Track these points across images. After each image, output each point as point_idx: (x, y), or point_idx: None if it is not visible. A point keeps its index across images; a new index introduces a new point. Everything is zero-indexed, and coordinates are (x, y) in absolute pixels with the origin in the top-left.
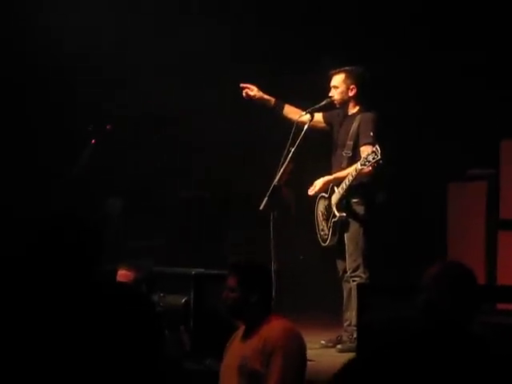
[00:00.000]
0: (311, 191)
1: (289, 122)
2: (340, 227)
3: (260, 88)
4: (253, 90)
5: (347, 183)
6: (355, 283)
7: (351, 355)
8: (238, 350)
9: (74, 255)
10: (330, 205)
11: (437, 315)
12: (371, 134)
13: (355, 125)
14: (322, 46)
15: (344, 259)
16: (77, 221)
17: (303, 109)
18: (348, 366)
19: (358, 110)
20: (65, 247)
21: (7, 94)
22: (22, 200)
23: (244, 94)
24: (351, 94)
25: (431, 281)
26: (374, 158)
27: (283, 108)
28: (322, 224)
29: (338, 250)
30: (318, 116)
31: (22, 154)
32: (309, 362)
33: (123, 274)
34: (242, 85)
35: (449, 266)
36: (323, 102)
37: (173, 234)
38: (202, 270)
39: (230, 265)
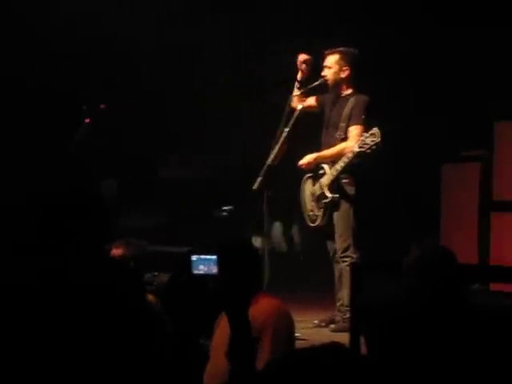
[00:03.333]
0: (300, 163)
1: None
2: (330, 208)
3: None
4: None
5: (342, 165)
6: (346, 264)
7: (344, 335)
8: (226, 329)
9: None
10: (320, 185)
11: (421, 299)
12: (362, 116)
13: (348, 107)
14: (317, 26)
15: (334, 240)
16: (90, 198)
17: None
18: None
19: (352, 92)
20: (77, 224)
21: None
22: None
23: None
24: (344, 75)
25: (413, 265)
26: (372, 141)
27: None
28: (310, 205)
29: (328, 230)
30: (311, 99)
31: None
32: (301, 341)
33: (113, 252)
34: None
35: (429, 249)
36: (316, 82)
37: (172, 215)
38: (195, 248)
39: (215, 246)
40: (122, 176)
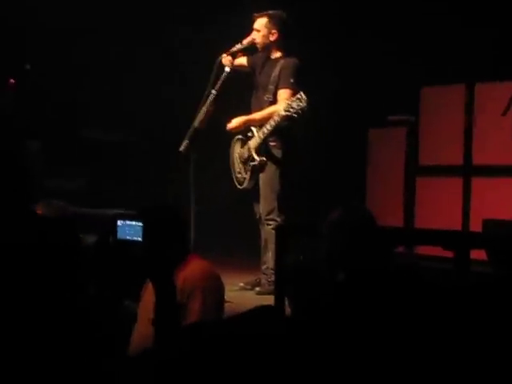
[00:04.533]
0: (228, 126)
1: (208, 63)
2: (257, 170)
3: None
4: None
5: (269, 128)
6: (270, 227)
7: (270, 297)
8: (152, 295)
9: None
10: (248, 148)
11: (340, 262)
12: (291, 79)
13: (277, 69)
14: None
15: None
16: (12, 157)
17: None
18: None
19: (281, 55)
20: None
21: None
22: None
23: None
24: (272, 38)
25: (332, 228)
26: (298, 105)
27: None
28: (238, 166)
29: (255, 193)
30: (242, 59)
31: None
32: (227, 304)
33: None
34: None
35: (348, 211)
36: (243, 44)
37: (95, 176)
38: (121, 211)
39: (139, 211)
40: (46, 137)
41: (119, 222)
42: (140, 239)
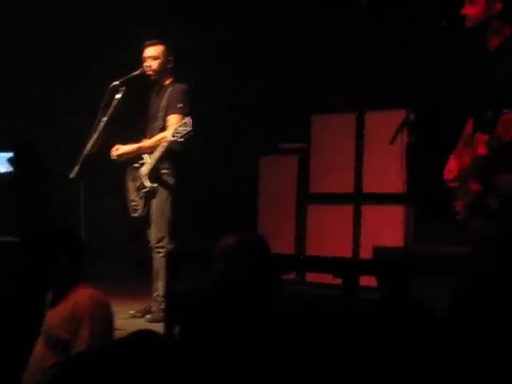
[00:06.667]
0: (113, 153)
1: (99, 90)
2: (150, 197)
3: None
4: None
5: (158, 154)
6: (160, 255)
7: (160, 325)
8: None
9: None
10: (140, 175)
11: (232, 287)
12: (180, 104)
13: (166, 96)
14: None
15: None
16: None
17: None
18: None
19: (171, 81)
20: None
21: None
22: None
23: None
24: (169, 65)
25: (225, 252)
26: (184, 130)
27: None
28: (132, 194)
29: (148, 220)
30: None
31: None
32: (117, 332)
33: None
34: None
35: (242, 237)
36: (137, 72)
37: None
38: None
39: (32, 232)
40: None
41: None
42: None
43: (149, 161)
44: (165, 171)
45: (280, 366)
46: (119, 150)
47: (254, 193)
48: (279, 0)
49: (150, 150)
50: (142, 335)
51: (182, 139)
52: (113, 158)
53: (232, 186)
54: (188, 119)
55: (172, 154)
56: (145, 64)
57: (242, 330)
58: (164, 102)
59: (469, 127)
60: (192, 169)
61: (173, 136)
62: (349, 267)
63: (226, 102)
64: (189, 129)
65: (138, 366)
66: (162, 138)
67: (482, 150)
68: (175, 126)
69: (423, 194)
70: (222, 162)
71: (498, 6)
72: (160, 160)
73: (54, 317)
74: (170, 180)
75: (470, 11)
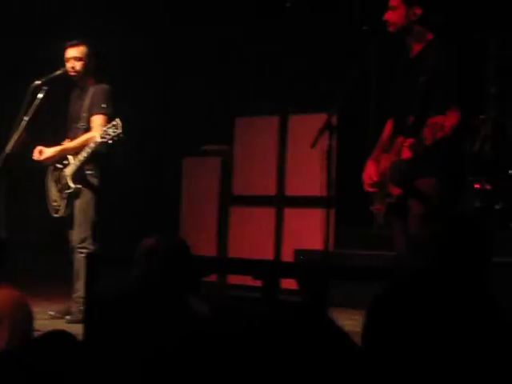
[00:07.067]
0: (37, 157)
1: (22, 91)
2: (73, 198)
3: None
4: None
5: (85, 155)
6: (83, 255)
7: (80, 326)
8: None
9: None
10: (64, 176)
11: (150, 288)
12: (103, 105)
13: (89, 96)
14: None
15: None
16: None
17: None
18: None
19: (92, 82)
20: None
21: None
22: None
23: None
24: (90, 66)
25: (144, 253)
26: (114, 132)
27: None
28: (54, 195)
29: (70, 220)
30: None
31: None
32: (36, 333)
33: None
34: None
35: (162, 238)
36: (58, 72)
37: None
38: None
39: None
40: None
41: None
42: None
43: (73, 162)
44: (89, 172)
45: (190, 370)
46: (43, 153)
47: (177, 194)
48: (205, 2)
49: (75, 151)
50: (53, 336)
51: (111, 141)
52: (40, 160)
53: (156, 186)
54: (118, 121)
55: (97, 155)
56: (68, 65)
57: (154, 332)
58: (87, 102)
59: (386, 132)
60: (116, 170)
61: (102, 137)
62: (269, 269)
63: (150, 102)
64: (119, 131)
65: (47, 367)
66: (89, 139)
67: (407, 154)
68: (102, 127)
69: (343, 198)
70: (146, 163)
71: (418, 11)
72: (86, 161)
73: None
74: (95, 181)
75: (391, 17)
